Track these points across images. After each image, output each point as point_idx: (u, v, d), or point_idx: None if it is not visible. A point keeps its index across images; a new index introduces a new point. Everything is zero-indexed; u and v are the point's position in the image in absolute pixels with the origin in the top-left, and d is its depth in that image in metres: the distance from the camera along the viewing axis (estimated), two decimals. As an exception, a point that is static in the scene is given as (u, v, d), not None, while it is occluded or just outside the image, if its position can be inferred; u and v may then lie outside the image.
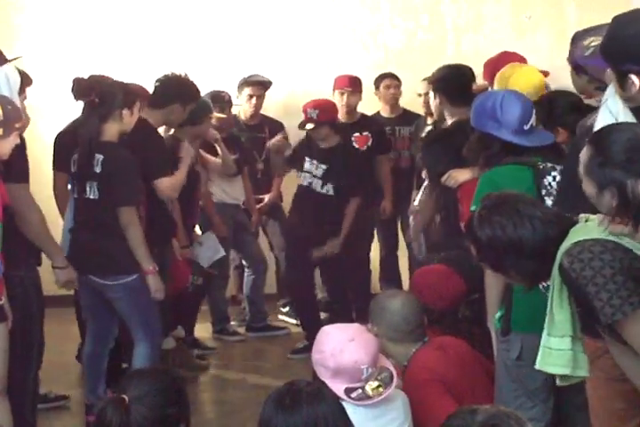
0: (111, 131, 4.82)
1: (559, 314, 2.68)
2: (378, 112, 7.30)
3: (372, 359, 3.35)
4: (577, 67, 3.69)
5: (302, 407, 2.57)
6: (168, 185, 5.19)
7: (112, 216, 4.76)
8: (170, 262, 5.55)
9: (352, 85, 6.89)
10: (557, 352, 2.70)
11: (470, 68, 5.61)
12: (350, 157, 6.49)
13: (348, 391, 3.30)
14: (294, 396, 2.60)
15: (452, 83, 5.49)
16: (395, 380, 3.39)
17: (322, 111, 6.23)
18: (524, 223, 2.70)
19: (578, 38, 3.65)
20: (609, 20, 3.23)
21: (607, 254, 2.55)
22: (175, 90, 5.42)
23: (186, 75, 5.55)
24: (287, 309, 7.31)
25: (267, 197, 7.13)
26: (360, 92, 6.96)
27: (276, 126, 7.20)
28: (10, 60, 4.27)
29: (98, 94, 4.82)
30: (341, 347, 3.32)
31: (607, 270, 2.54)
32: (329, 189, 6.33)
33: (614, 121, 2.91)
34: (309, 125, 6.27)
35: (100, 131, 4.79)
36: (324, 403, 2.60)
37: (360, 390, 3.32)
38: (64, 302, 5.71)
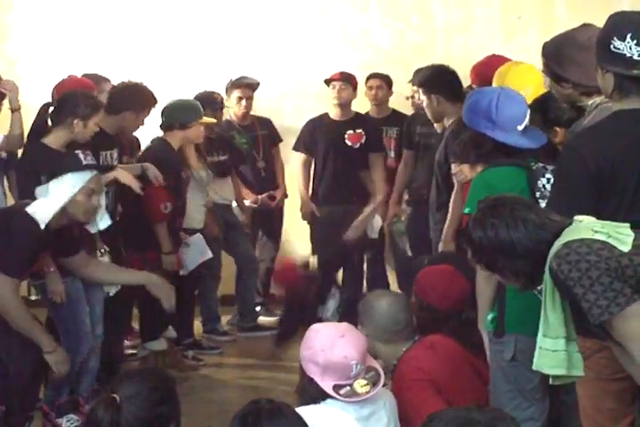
0: (56, 136, 4.91)
1: (552, 316, 2.71)
2: (367, 113, 7.29)
3: (361, 356, 3.35)
4: (557, 77, 3.69)
5: (262, 425, 2.60)
6: None
7: None
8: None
9: (343, 79, 6.86)
10: (552, 353, 2.72)
11: (448, 66, 5.62)
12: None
13: (337, 388, 3.30)
14: (256, 415, 2.65)
15: (442, 80, 5.46)
16: (382, 380, 3.40)
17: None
18: (516, 225, 2.73)
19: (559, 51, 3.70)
20: (599, 21, 3.26)
21: (593, 255, 2.57)
22: (127, 97, 5.50)
23: (142, 82, 5.63)
24: (259, 308, 7.29)
25: (278, 194, 7.13)
26: (353, 88, 6.93)
27: (265, 122, 7.25)
28: None
29: (59, 98, 4.97)
30: (332, 342, 3.32)
31: (593, 272, 2.56)
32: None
33: None
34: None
35: (47, 133, 4.91)
36: (283, 419, 2.62)
37: (348, 388, 3.32)
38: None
